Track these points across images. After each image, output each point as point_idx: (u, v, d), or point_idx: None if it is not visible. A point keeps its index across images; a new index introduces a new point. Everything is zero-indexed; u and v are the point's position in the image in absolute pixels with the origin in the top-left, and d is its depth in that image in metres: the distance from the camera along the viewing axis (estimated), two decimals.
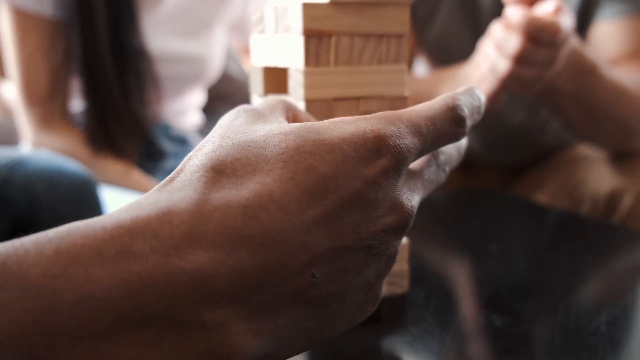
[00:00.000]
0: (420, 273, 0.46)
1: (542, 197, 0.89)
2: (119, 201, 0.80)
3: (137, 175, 0.88)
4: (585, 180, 0.82)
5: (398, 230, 0.25)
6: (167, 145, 0.99)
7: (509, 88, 0.64)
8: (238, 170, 0.22)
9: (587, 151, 0.90)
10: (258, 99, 0.43)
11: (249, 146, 0.23)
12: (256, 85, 0.42)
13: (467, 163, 1.00)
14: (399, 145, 0.24)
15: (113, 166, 0.87)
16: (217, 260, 0.19)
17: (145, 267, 0.18)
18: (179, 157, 1.02)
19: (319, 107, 0.37)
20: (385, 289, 0.42)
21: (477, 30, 0.89)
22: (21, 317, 0.17)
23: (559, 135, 0.94)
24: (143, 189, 0.87)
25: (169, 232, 0.19)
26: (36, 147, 0.87)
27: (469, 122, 0.28)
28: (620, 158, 0.81)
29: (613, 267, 0.53)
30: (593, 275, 0.50)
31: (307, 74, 0.36)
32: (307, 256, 0.21)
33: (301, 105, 0.37)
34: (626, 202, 0.76)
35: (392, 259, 0.26)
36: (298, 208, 0.21)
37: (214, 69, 1.03)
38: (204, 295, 0.19)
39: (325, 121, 0.25)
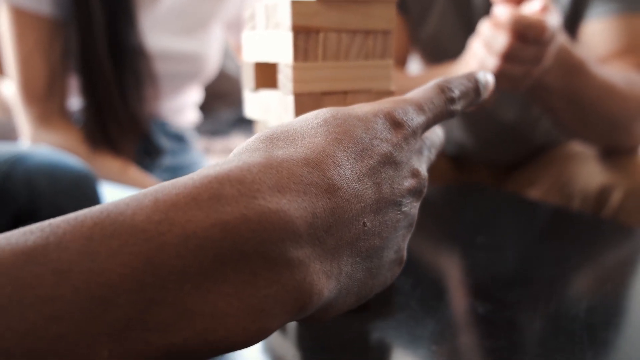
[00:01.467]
0: (407, 263, 0.48)
1: (533, 193, 0.90)
2: (118, 197, 0.81)
3: (135, 172, 0.89)
4: (575, 177, 0.84)
5: (418, 193, 0.29)
6: (165, 142, 1.01)
7: (497, 85, 0.65)
8: (290, 137, 0.25)
9: (577, 148, 0.92)
10: (250, 94, 0.44)
11: (293, 124, 0.27)
12: (248, 80, 0.44)
13: (460, 160, 1.01)
14: (411, 119, 0.28)
15: (110, 163, 0.88)
16: (293, 202, 0.22)
17: (237, 208, 0.20)
18: (176, 153, 1.03)
19: (307, 100, 0.38)
20: None
21: (470, 27, 0.90)
22: (132, 260, 0.18)
23: (550, 133, 0.96)
24: (140, 186, 0.88)
25: (251, 178, 0.21)
26: (35, 144, 0.88)
27: (461, 102, 0.32)
28: (609, 155, 0.82)
29: (598, 258, 0.54)
30: (578, 266, 0.51)
31: (295, 69, 0.37)
32: (360, 204, 0.24)
33: (290, 99, 0.38)
34: (615, 197, 0.77)
35: (413, 221, 0.30)
36: (347, 162, 0.24)
37: (211, 67, 1.04)
38: (289, 233, 0.21)
39: (347, 107, 0.29)
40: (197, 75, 1.02)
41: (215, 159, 1.43)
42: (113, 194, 0.82)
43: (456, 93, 0.31)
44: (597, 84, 0.71)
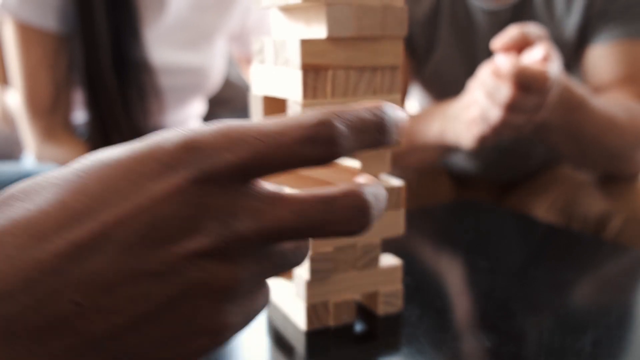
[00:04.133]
0: (414, 290, 0.48)
1: (533, 211, 0.90)
2: None
3: None
4: (575, 201, 0.84)
5: (210, 256, 0.21)
6: None
7: (499, 133, 0.65)
8: (19, 197, 0.21)
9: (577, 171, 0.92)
10: None
11: (35, 179, 0.22)
12: (256, 113, 0.44)
13: (459, 178, 1.02)
14: (203, 159, 0.21)
15: None
16: None
17: None
18: None
19: None
20: (381, 309, 0.44)
21: (472, 60, 0.90)
22: None
23: (549, 152, 0.96)
24: None
25: None
26: (39, 158, 0.89)
27: (352, 143, 0.23)
28: (609, 180, 0.83)
29: (600, 283, 0.54)
30: (580, 292, 0.52)
31: (305, 107, 0.38)
32: (60, 282, 0.19)
33: None
34: (615, 223, 0.78)
35: (218, 286, 0.21)
36: (54, 232, 0.20)
37: (215, 80, 1.05)
38: None
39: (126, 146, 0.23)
40: (201, 88, 1.03)
41: None
42: None
43: (343, 131, 0.22)
44: (597, 118, 0.72)
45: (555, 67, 0.62)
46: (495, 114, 0.63)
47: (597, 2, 0.82)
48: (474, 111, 0.66)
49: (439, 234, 0.68)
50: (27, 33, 0.86)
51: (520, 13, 0.87)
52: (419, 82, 0.98)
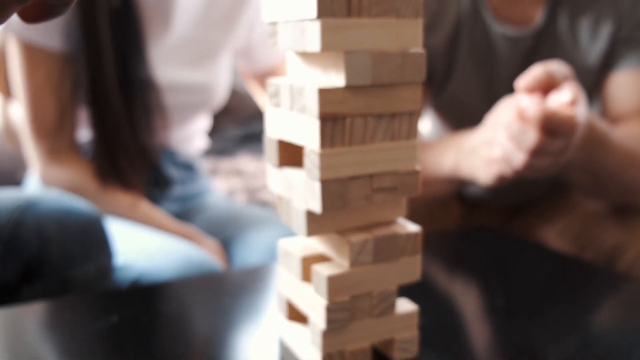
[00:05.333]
0: (429, 332, 0.47)
1: (545, 234, 0.90)
2: (127, 235, 0.81)
3: (145, 207, 0.89)
4: (587, 230, 0.84)
5: None
6: (174, 172, 1.00)
7: (523, 175, 0.64)
8: None
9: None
10: (273, 169, 0.44)
11: None
12: (271, 156, 0.43)
13: (467, 202, 1.01)
14: None
15: (120, 199, 0.87)
16: None
17: None
18: (185, 183, 1.03)
19: (334, 185, 0.38)
20: (397, 355, 0.43)
21: (492, 88, 0.89)
22: None
23: (560, 179, 0.96)
24: (150, 221, 0.88)
25: None
26: (44, 179, 0.88)
27: None
28: (624, 211, 0.82)
29: (615, 324, 0.54)
30: (596, 336, 0.51)
31: (322, 156, 0.37)
32: None
33: (316, 185, 0.38)
34: (629, 256, 0.77)
35: None
36: None
37: (220, 96, 1.04)
38: None
39: None
40: (207, 105, 1.02)
41: (222, 181, 1.42)
42: (122, 232, 0.81)
43: None
44: (617, 153, 0.71)
45: (582, 110, 0.61)
46: (519, 157, 0.60)
47: (624, 29, 0.81)
48: (495, 151, 0.64)
49: (453, 264, 0.67)
50: (31, 53, 0.85)
51: (543, 39, 0.86)
52: (435, 108, 0.96)
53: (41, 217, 0.64)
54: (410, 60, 0.39)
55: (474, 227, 0.89)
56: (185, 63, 0.97)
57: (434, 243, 0.72)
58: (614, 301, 0.58)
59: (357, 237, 0.40)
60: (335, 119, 0.37)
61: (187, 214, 1.01)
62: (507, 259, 0.68)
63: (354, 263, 0.40)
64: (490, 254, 0.69)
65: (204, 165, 1.39)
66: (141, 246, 0.77)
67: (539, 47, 0.86)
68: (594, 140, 0.67)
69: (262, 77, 1.11)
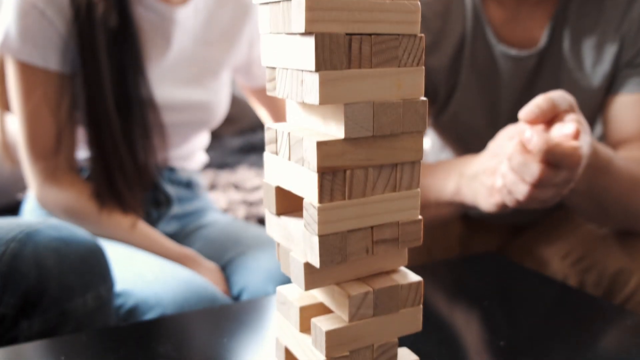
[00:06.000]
0: None
1: (547, 256, 0.89)
2: (125, 260, 0.80)
3: (143, 228, 0.88)
4: (591, 254, 0.82)
5: None
6: (173, 191, 0.99)
7: (526, 206, 0.62)
8: None
9: None
10: (271, 216, 0.42)
11: None
12: (269, 203, 0.42)
13: (469, 221, 0.99)
14: None
15: (119, 220, 0.86)
16: None
17: None
18: (184, 201, 1.02)
19: (333, 239, 0.37)
20: None
21: (494, 107, 0.88)
22: None
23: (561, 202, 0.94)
24: (149, 242, 0.87)
25: None
26: (41, 201, 0.87)
27: None
28: (628, 235, 0.80)
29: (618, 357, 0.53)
30: None
31: (321, 210, 0.36)
32: None
33: (315, 239, 0.36)
34: (633, 282, 0.76)
35: None
36: None
37: (220, 113, 1.03)
38: None
39: None
40: (207, 123, 1.01)
41: (220, 195, 1.41)
42: (120, 255, 0.80)
43: None
44: (621, 180, 0.69)
45: (586, 141, 0.59)
46: (522, 189, 0.59)
47: (627, 52, 0.80)
48: (498, 181, 0.63)
49: (455, 295, 0.66)
50: (29, 73, 0.84)
51: (546, 60, 0.84)
52: (436, 127, 0.95)
53: (39, 248, 0.63)
54: (412, 109, 0.38)
55: (475, 254, 0.88)
56: (184, 82, 0.96)
57: (436, 272, 0.71)
58: (615, 337, 0.57)
59: (357, 290, 0.39)
60: (334, 171, 0.36)
61: (186, 233, 1.00)
62: (509, 291, 0.67)
63: (353, 317, 0.39)
64: (492, 284, 0.68)
65: (204, 179, 1.38)
66: (139, 272, 0.76)
67: (542, 67, 0.85)
68: (597, 167, 0.66)
69: (262, 92, 1.10)
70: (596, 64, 0.82)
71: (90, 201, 0.86)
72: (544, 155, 0.56)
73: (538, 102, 0.60)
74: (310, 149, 0.36)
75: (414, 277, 0.41)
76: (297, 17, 0.34)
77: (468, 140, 0.93)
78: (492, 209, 0.66)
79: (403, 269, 0.43)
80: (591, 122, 0.88)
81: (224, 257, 0.91)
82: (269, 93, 0.40)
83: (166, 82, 0.93)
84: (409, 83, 0.37)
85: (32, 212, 0.93)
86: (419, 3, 0.37)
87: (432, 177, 0.78)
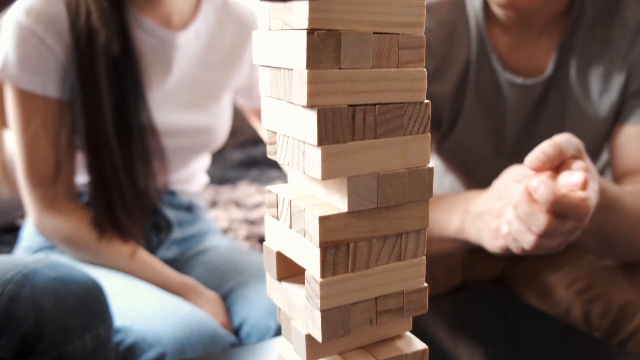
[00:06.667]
0: None
1: (552, 283, 0.87)
2: (124, 293, 0.78)
3: (143, 257, 0.87)
4: (596, 285, 0.81)
5: None
6: (174, 215, 0.98)
7: (532, 253, 0.61)
8: None
9: None
10: (272, 281, 0.41)
11: None
12: (270, 267, 0.41)
13: (471, 248, 0.98)
14: None
15: (119, 249, 0.85)
16: None
17: None
18: (185, 225, 1.01)
19: (336, 313, 0.36)
20: None
21: (498, 135, 0.87)
22: None
23: None
24: (149, 271, 0.86)
25: None
26: (40, 229, 0.86)
27: None
28: (633, 267, 0.79)
29: None
30: None
31: (323, 285, 0.35)
32: None
33: (317, 314, 0.35)
34: (639, 317, 0.74)
35: None
36: None
37: (221, 136, 1.01)
38: None
39: None
40: (208, 146, 0.99)
41: (221, 213, 1.40)
42: (119, 289, 0.79)
43: None
44: (629, 217, 0.68)
45: (594, 189, 0.57)
46: (528, 239, 0.57)
47: (635, 82, 0.78)
48: (503, 228, 0.61)
49: (457, 332, 0.65)
50: (28, 100, 0.83)
51: (552, 88, 0.83)
52: (439, 153, 0.94)
53: (37, 290, 0.62)
54: (417, 178, 0.36)
55: (478, 282, 0.87)
56: (185, 106, 0.94)
57: (438, 309, 0.70)
58: None
59: None
60: (337, 245, 0.35)
61: (186, 258, 0.99)
62: (512, 328, 0.65)
63: None
64: (495, 322, 0.67)
65: (204, 196, 1.36)
66: (138, 307, 0.75)
67: (548, 95, 0.83)
68: (605, 207, 0.65)
69: None
70: (603, 93, 0.81)
71: (89, 230, 0.85)
72: (551, 206, 0.54)
73: (544, 149, 0.58)
74: (312, 222, 0.35)
75: (419, 345, 0.40)
76: (299, 90, 0.33)
77: (472, 168, 0.91)
78: (497, 251, 0.65)
79: (408, 334, 0.41)
80: (598, 150, 0.87)
81: (225, 286, 0.90)
82: (269, 156, 0.39)
83: (167, 107, 0.92)
84: (415, 151, 0.36)
85: (31, 238, 0.92)
86: (425, 70, 0.36)
87: (436, 211, 0.76)
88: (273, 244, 0.40)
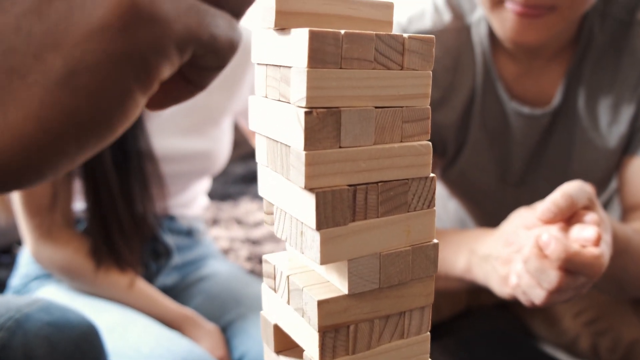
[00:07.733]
0: None
1: (559, 315, 0.85)
2: (120, 329, 0.77)
3: (142, 287, 0.85)
4: (605, 319, 0.79)
5: None
6: (173, 241, 0.96)
7: (543, 306, 0.59)
8: None
9: None
10: (270, 352, 0.40)
11: None
12: (267, 337, 0.39)
13: None
14: None
15: (116, 279, 0.84)
16: None
17: None
18: (185, 250, 0.99)
19: None
20: None
21: (504, 165, 0.85)
22: None
23: None
24: (147, 303, 0.84)
25: None
26: (36, 258, 0.84)
27: None
28: None
29: None
30: None
31: None
32: None
33: None
34: None
35: None
36: None
37: (221, 161, 1.00)
38: None
39: None
40: (207, 171, 0.98)
41: (222, 231, 1.39)
42: (115, 325, 0.78)
43: None
44: (639, 258, 0.66)
45: (607, 242, 0.55)
46: (539, 294, 0.55)
47: None
48: (512, 278, 0.59)
49: None
50: None
51: (560, 117, 0.81)
52: (444, 180, 0.92)
53: (29, 337, 0.60)
54: (422, 254, 0.35)
55: (487, 331, 0.85)
56: (184, 131, 0.93)
57: (447, 351, 0.68)
58: None
59: None
60: (337, 328, 0.33)
61: (185, 285, 0.98)
62: None
63: None
64: None
65: (205, 214, 1.35)
66: (135, 345, 0.74)
67: (556, 126, 0.81)
68: (616, 251, 0.63)
69: None
70: (612, 123, 0.79)
71: (86, 260, 0.84)
72: (563, 264, 0.52)
73: (556, 201, 0.56)
74: (311, 304, 0.33)
75: None
76: (297, 170, 0.31)
77: (477, 196, 0.89)
78: (505, 297, 0.63)
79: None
80: (606, 181, 0.85)
81: (225, 317, 0.88)
82: (267, 226, 0.37)
83: (165, 133, 0.91)
84: (419, 227, 0.34)
85: (28, 266, 0.91)
86: (430, 144, 0.34)
87: (441, 249, 0.74)
88: (271, 315, 0.39)
